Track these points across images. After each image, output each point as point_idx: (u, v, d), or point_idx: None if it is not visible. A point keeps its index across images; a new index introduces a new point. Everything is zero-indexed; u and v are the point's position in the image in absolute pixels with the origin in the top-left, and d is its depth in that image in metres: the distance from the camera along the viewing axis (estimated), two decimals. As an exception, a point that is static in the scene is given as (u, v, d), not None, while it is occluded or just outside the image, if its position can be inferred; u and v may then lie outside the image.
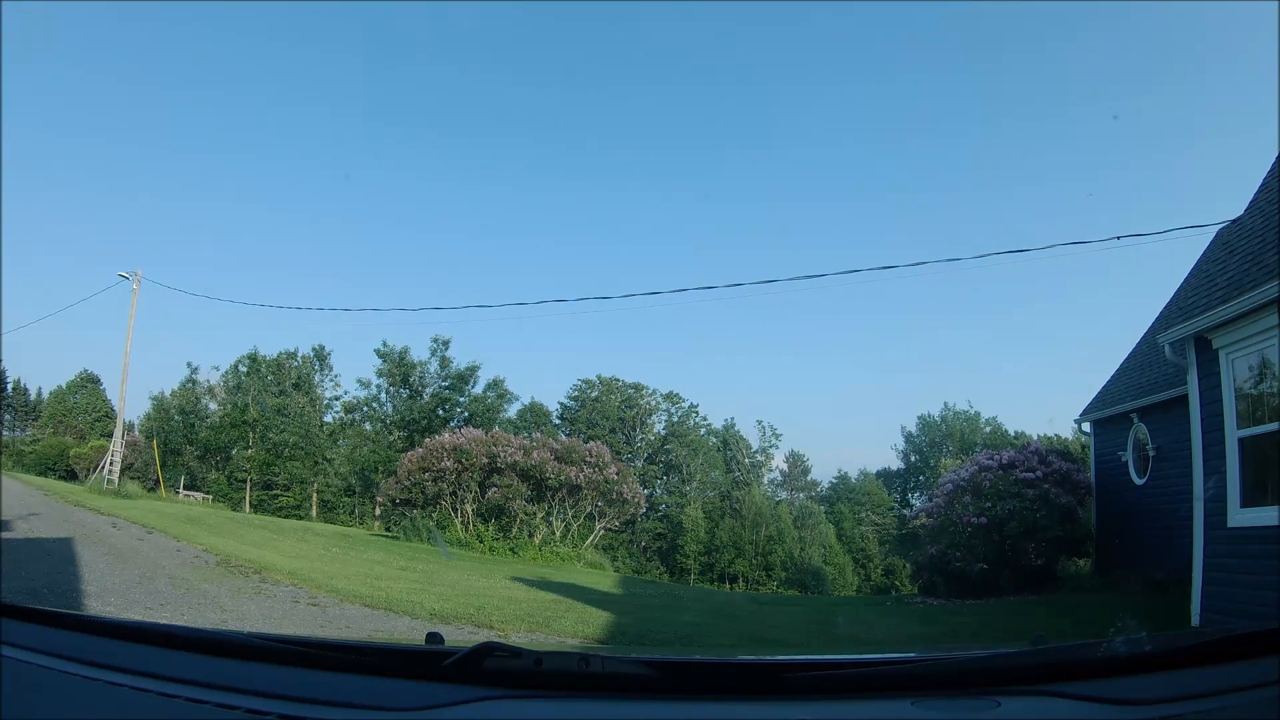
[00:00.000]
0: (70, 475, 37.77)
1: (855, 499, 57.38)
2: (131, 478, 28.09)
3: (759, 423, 60.82)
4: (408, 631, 6.86)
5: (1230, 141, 69.16)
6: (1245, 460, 7.18)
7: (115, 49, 68.48)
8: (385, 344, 44.15)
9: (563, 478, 19.37)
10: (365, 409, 45.98)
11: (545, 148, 79.55)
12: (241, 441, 42.10)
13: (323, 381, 47.53)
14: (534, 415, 51.06)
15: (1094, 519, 13.42)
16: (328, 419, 46.33)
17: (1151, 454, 11.64)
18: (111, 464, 24.15)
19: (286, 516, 32.29)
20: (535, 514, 19.49)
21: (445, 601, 8.34)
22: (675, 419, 55.51)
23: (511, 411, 46.90)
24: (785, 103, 78.80)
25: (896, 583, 44.30)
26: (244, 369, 44.92)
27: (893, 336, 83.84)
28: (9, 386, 56.26)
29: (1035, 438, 31.22)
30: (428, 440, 21.54)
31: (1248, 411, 7.20)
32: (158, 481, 32.85)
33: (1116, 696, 1.13)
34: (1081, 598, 10.86)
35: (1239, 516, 7.15)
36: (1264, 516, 6.77)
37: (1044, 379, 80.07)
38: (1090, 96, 72.36)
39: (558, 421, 53.13)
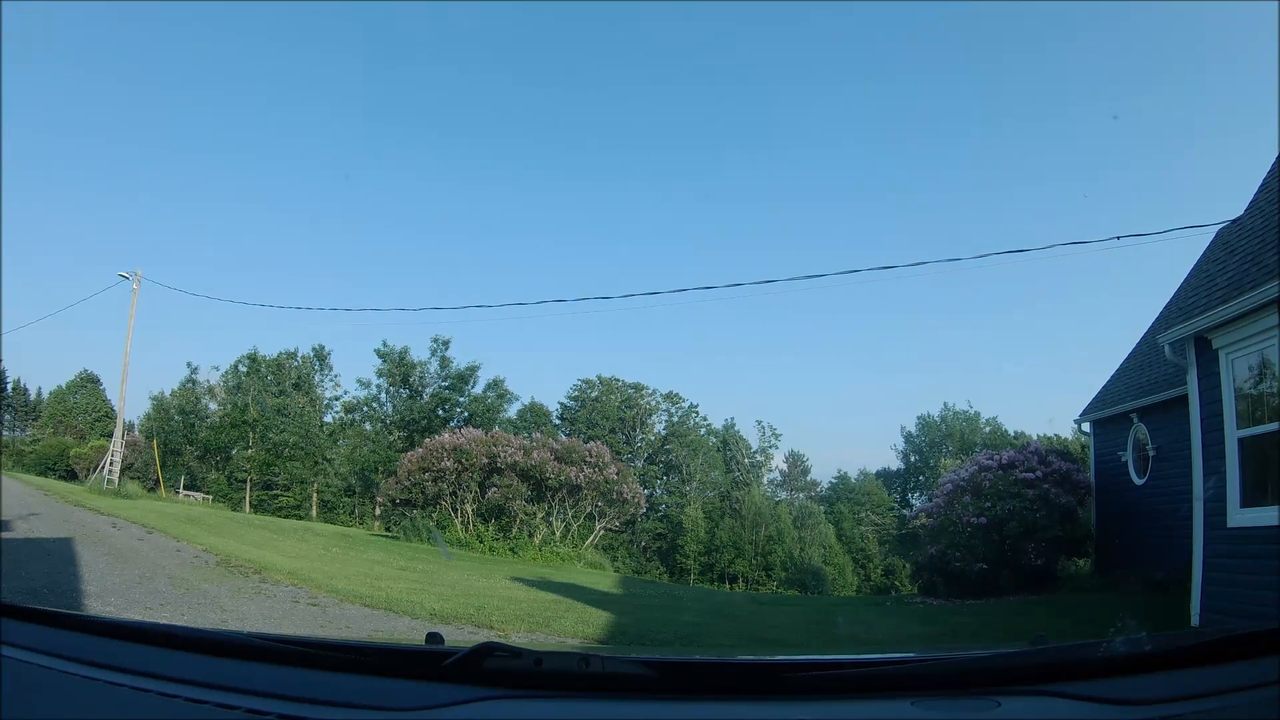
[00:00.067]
0: (70, 475, 37.77)
1: (855, 499, 57.37)
2: (131, 478, 28.09)
3: (759, 423, 60.92)
4: (408, 631, 6.86)
5: (1230, 141, 69.27)
6: (1245, 460, 7.18)
7: (115, 49, 68.57)
8: (385, 344, 44.23)
9: (563, 478, 19.37)
10: (365, 409, 46.00)
11: (545, 148, 79.69)
12: (241, 441, 42.10)
13: (323, 381, 47.59)
14: (534, 415, 51.06)
15: (1094, 519, 13.42)
16: (328, 419, 46.37)
17: (1151, 454, 11.64)
18: (111, 464, 24.15)
19: (286, 516, 32.29)
20: (535, 514, 19.49)
21: (445, 601, 8.34)
22: (675, 419, 55.54)
23: (511, 411, 46.98)
24: (785, 103, 78.92)
25: (896, 583, 44.31)
26: (244, 369, 44.92)
27: (893, 336, 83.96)
28: (9, 386, 56.29)
29: (1035, 438, 31.24)
30: (428, 440, 21.54)
31: (1247, 411, 7.20)
32: (158, 481, 32.85)
33: (1116, 696, 1.13)
34: (1081, 598, 10.86)
35: (1239, 516, 7.15)
36: (1264, 516, 6.77)
37: (1044, 379, 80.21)
38: (1090, 96, 72.47)
39: (558, 421, 53.13)
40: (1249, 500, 7.09)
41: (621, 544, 40.17)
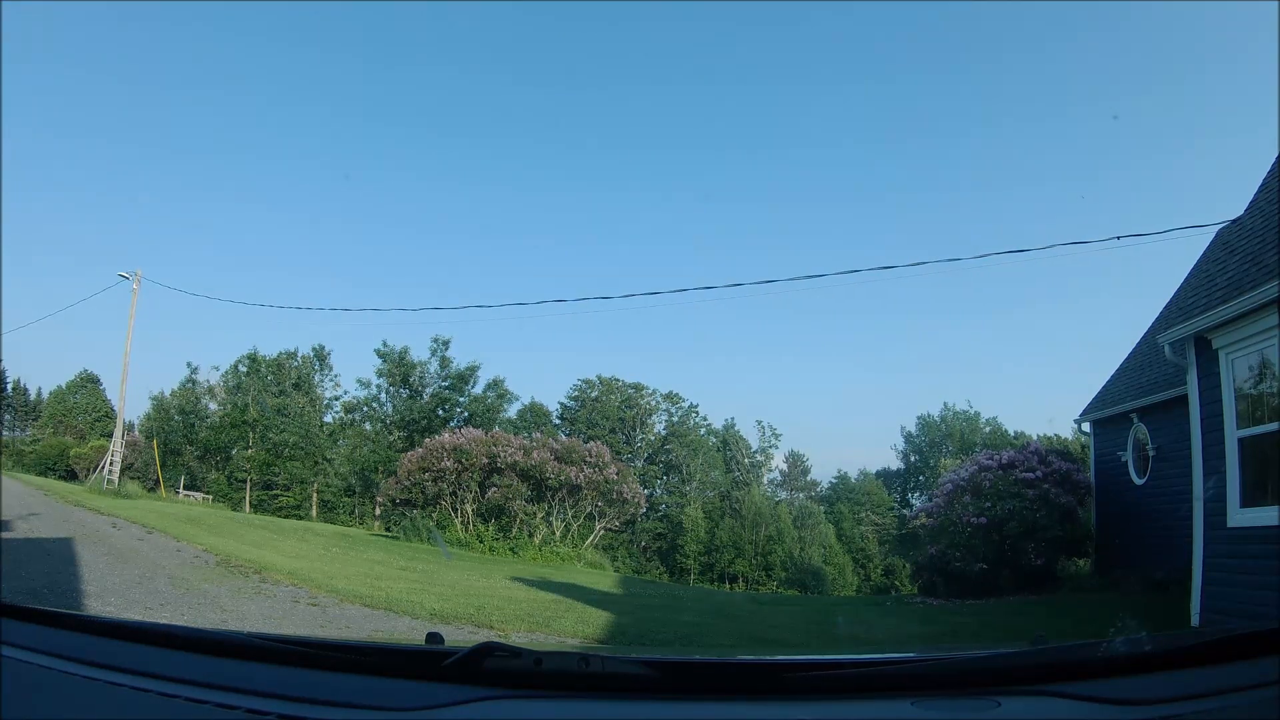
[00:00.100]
0: (70, 475, 37.77)
1: (855, 499, 57.37)
2: (131, 478, 28.09)
3: (759, 423, 60.91)
4: (408, 631, 6.86)
5: (1230, 141, 69.28)
6: (1245, 460, 7.18)
7: (115, 49, 68.56)
8: (385, 344, 44.21)
9: (563, 478, 19.37)
10: (365, 409, 45.98)
11: (545, 148, 79.67)
12: (241, 441, 42.10)
13: (323, 381, 47.57)
14: (534, 415, 51.05)
15: (1094, 519, 13.42)
16: (328, 419, 46.36)
17: (1151, 454, 11.64)
18: (111, 464, 24.15)
19: (286, 516, 32.28)
20: (535, 514, 19.50)
21: (445, 601, 8.34)
22: (675, 419, 55.54)
23: (511, 411, 46.97)
24: (785, 103, 78.91)
25: (896, 583, 44.31)
26: (244, 369, 44.91)
27: (893, 336, 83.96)
28: (9, 386, 56.28)
29: (1035, 438, 31.25)
30: (428, 440, 21.54)
31: (1247, 411, 7.20)
32: (158, 481, 32.85)
33: (1116, 696, 1.13)
34: (1081, 598, 10.86)
35: (1239, 516, 7.15)
36: (1264, 516, 6.77)
37: (1044, 379, 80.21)
38: (1090, 96, 72.47)
39: (558, 421, 53.13)
40: (1249, 500, 7.08)
41: (621, 544, 40.17)
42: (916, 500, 55.18)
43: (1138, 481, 12.14)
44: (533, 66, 78.71)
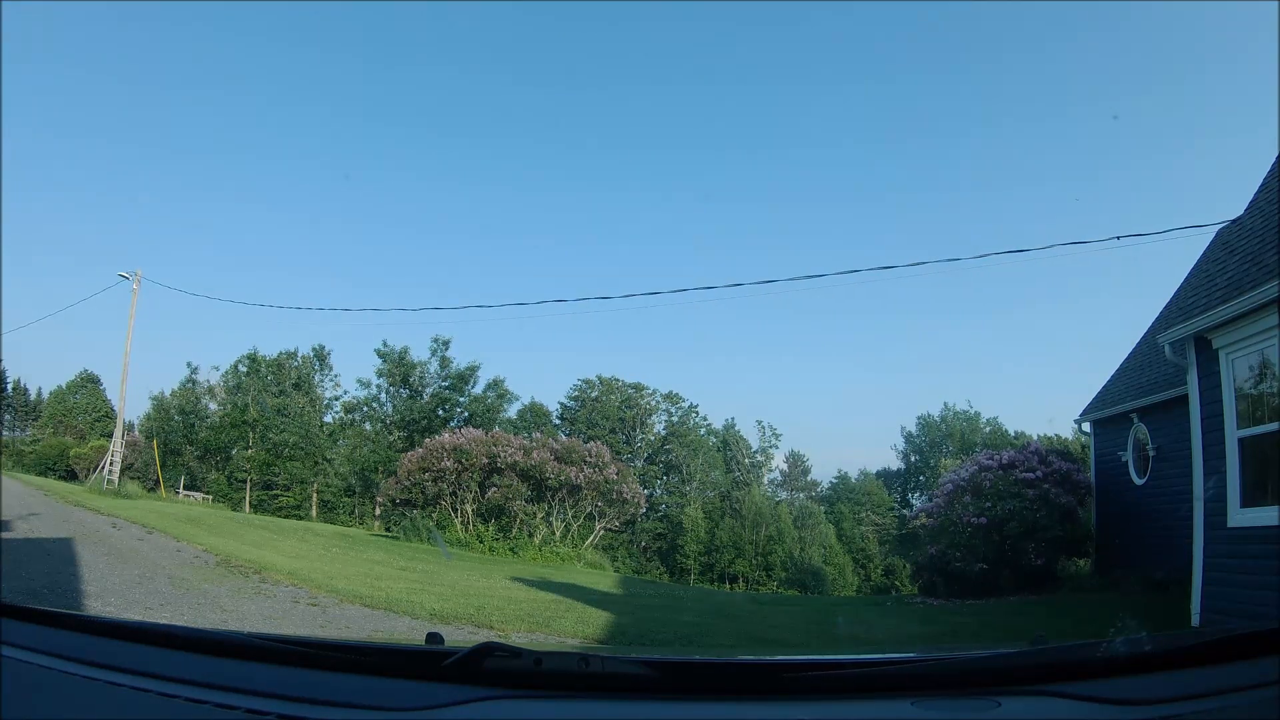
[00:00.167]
0: (70, 475, 37.77)
1: (855, 499, 57.37)
2: (131, 478, 28.09)
3: (759, 423, 60.89)
4: (408, 631, 6.86)
5: (1230, 141, 69.25)
6: (1245, 460, 7.18)
7: (115, 49, 68.51)
8: (385, 344, 44.26)
9: (563, 478, 19.37)
10: (365, 409, 46.01)
11: (545, 148, 79.62)
12: (241, 441, 42.11)
13: (323, 381, 47.58)
14: (534, 415, 51.05)
15: (1094, 519, 13.42)
16: (328, 419, 46.37)
17: (1151, 454, 11.64)
18: (111, 464, 24.15)
19: (286, 516, 32.30)
20: (535, 514, 19.50)
21: (445, 601, 8.34)
22: (675, 419, 55.54)
23: (511, 411, 46.99)
24: (785, 103, 78.86)
25: (896, 583, 44.31)
26: (244, 369, 44.92)
27: (893, 336, 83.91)
28: (9, 386, 56.28)
29: (1035, 438, 31.23)
30: (428, 440, 21.55)
31: (1248, 411, 7.20)
32: (158, 481, 32.85)
33: (1116, 696, 1.13)
34: (1081, 598, 10.86)
35: (1239, 516, 7.15)
36: (1264, 516, 6.77)
37: (1044, 379, 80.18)
38: (1090, 96, 72.42)
39: (558, 421, 53.13)
40: (1249, 500, 7.08)
41: (621, 544, 40.18)
42: (916, 500, 55.20)
43: (1138, 481, 12.14)
44: (533, 66, 78.80)
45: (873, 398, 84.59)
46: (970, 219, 77.34)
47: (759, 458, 57.99)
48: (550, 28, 76.65)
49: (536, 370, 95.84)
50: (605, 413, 53.24)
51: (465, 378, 43.71)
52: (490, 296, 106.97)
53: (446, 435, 21.11)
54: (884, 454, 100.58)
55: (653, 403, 55.28)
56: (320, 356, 47.23)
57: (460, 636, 6.47)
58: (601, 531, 21.57)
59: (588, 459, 20.07)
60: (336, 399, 47.41)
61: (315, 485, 42.22)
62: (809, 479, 59.42)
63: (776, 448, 58.93)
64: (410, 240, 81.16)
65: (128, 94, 69.41)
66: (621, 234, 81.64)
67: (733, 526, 48.23)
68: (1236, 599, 7.02)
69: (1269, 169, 8.63)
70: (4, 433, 52.60)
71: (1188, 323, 7.92)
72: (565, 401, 54.98)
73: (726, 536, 47.54)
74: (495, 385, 44.27)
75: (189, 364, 48.56)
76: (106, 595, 6.97)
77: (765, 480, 57.73)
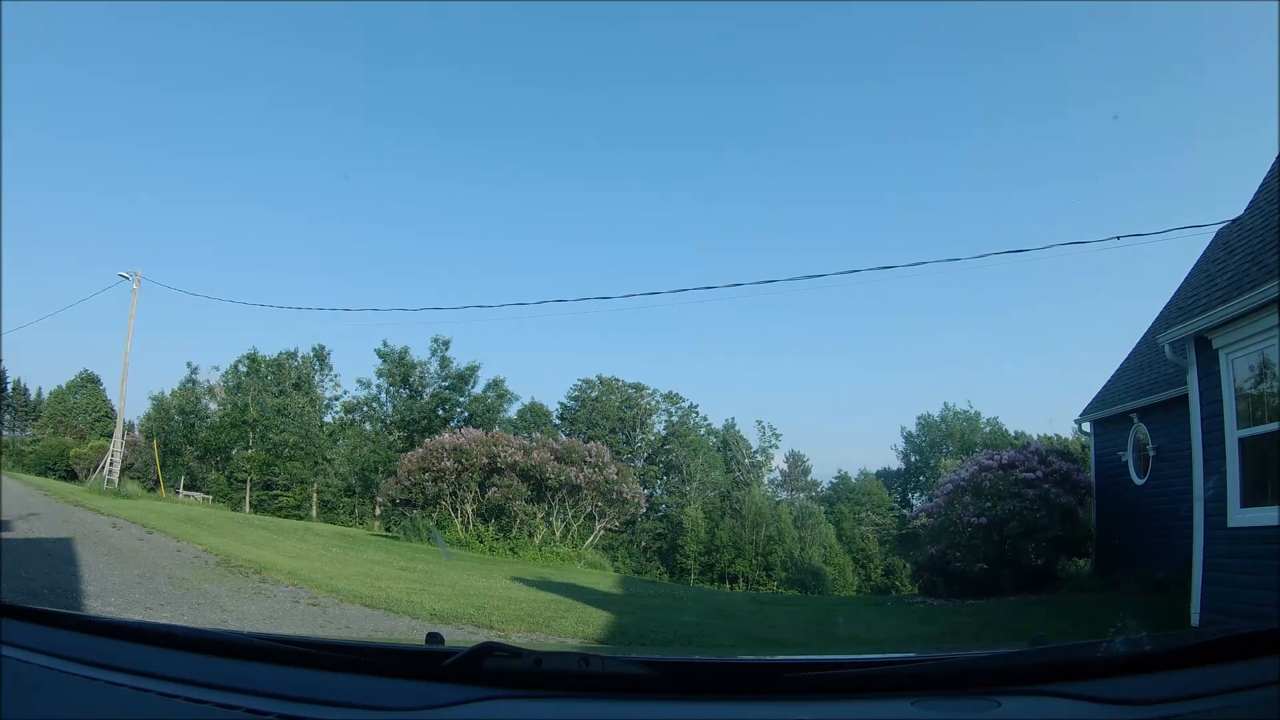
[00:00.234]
0: (70, 475, 37.76)
1: (855, 499, 57.37)
2: (131, 478, 28.09)
3: (759, 423, 60.86)
4: (408, 631, 6.87)
5: (1230, 141, 69.28)
6: (1245, 460, 7.18)
7: (115, 49, 68.53)
8: (385, 344, 44.25)
9: (563, 478, 19.37)
10: (365, 409, 46.00)
11: (545, 148, 79.63)
12: (241, 441, 42.10)
13: (323, 381, 47.55)
14: (534, 415, 51.04)
15: (1094, 519, 13.42)
16: (328, 419, 46.36)
17: (1151, 454, 11.64)
18: (111, 464, 24.15)
19: (286, 516, 32.30)
20: (535, 514, 19.50)
21: (445, 601, 8.34)
22: (675, 419, 55.53)
23: (511, 411, 46.98)
24: (785, 103, 78.89)
25: (896, 583, 44.32)
26: (244, 369, 44.91)
27: (893, 336, 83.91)
28: (9, 386, 56.27)
29: (1035, 438, 31.23)
30: (428, 440, 21.55)
31: (1248, 411, 7.20)
32: (158, 481, 32.85)
33: (1116, 696, 1.13)
34: (1081, 598, 10.86)
35: (1239, 516, 7.15)
36: (1264, 516, 6.77)
37: (1044, 379, 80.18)
38: (1090, 96, 72.44)
39: (558, 421, 53.12)
40: (1249, 500, 7.08)
41: (621, 544, 40.18)
42: (916, 500, 55.20)
43: (1138, 481, 12.14)
44: (533, 66, 78.80)
45: (873, 398, 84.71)
46: (970, 219, 77.46)
47: (759, 458, 58.01)
48: (550, 28, 76.76)
49: (536, 370, 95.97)
50: (605, 413, 53.23)
51: (465, 378, 43.72)
52: (490, 296, 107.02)
53: (446, 435, 21.11)
54: (884, 454, 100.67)
55: (653, 403, 55.29)
56: (320, 356, 47.27)
57: (460, 636, 6.47)
58: (601, 531, 21.57)
59: (588, 459, 20.07)
60: (336, 399, 47.48)
61: (315, 485, 42.22)
62: (809, 479, 59.46)
63: (776, 448, 59.02)
64: (410, 240, 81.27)
65: (128, 94, 69.54)
66: (621, 234, 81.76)
67: (733, 526, 48.23)
68: (1236, 599, 7.02)
69: (1269, 169, 8.63)
70: (4, 433, 52.61)
71: (1188, 323, 7.92)
72: (565, 401, 55.06)
73: (726, 536, 47.54)
74: (495, 385, 44.33)
75: (189, 364, 48.63)
76: (106, 595, 6.97)
77: (765, 480, 57.79)
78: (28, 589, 6.67)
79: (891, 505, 57.82)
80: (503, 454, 19.41)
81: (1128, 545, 12.00)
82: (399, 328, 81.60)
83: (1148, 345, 12.66)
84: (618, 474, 20.62)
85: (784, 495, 57.04)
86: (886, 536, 53.82)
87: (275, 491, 40.83)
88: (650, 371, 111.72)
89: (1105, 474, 13.38)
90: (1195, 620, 7.55)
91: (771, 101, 79.20)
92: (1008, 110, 77.45)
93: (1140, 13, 70.54)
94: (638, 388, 55.07)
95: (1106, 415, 13.25)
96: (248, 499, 39.73)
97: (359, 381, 45.71)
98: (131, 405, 51.23)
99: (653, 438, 54.71)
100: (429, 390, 43.99)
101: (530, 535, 19.16)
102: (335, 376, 47.87)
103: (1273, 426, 6.79)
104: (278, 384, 44.61)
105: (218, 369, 46.65)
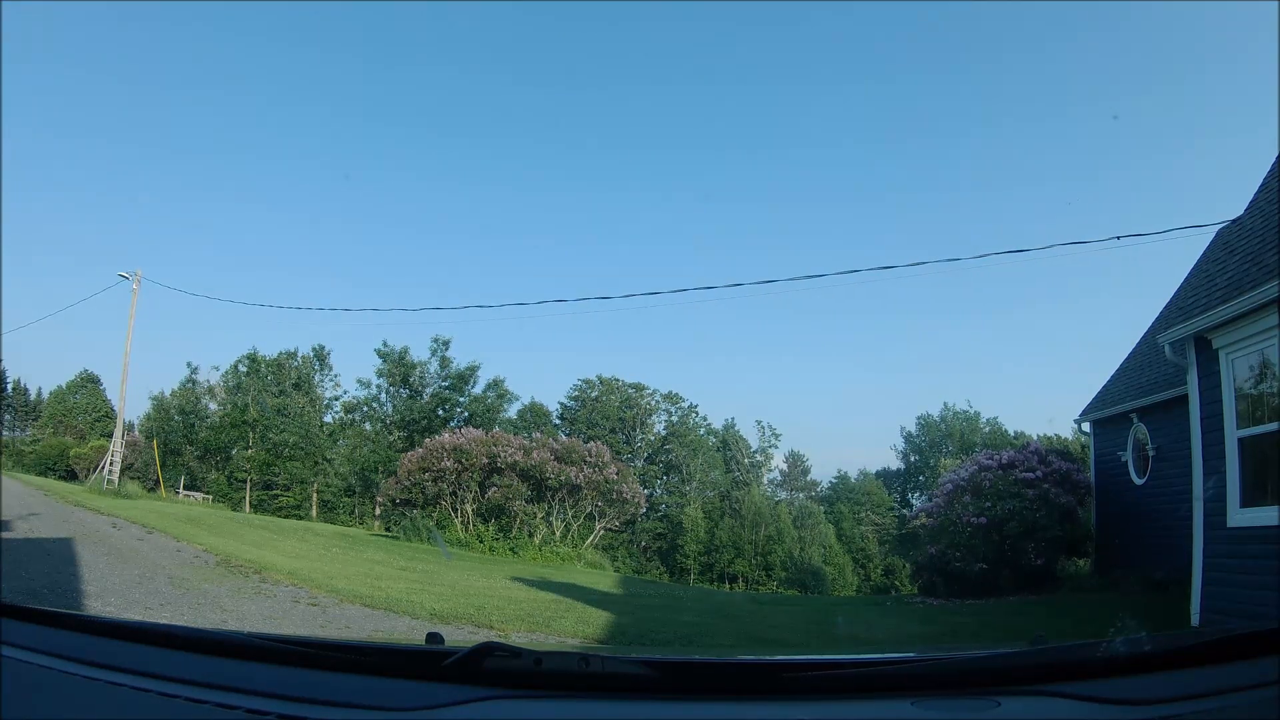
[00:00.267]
0: (70, 475, 37.76)
1: (855, 499, 57.37)
2: (131, 478, 28.09)
3: (759, 423, 60.84)
4: (408, 631, 6.87)
5: (1230, 141, 69.22)
6: (1245, 460, 7.18)
7: (115, 49, 68.50)
8: (385, 344, 44.25)
9: (563, 478, 19.37)
10: (365, 409, 46.00)
11: (545, 148, 79.59)
12: (241, 441, 42.10)
13: (323, 381, 47.55)
14: (534, 415, 51.04)
15: (1094, 519, 13.42)
16: (328, 419, 46.36)
17: (1151, 454, 11.64)
18: (111, 464, 24.15)
19: (286, 516, 32.29)
20: (535, 514, 19.50)
21: (445, 601, 8.34)
22: (675, 419, 55.51)
23: (511, 411, 46.98)
24: (785, 103, 78.83)
25: (896, 583, 44.31)
26: (244, 369, 44.91)
27: (893, 336, 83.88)
28: (9, 386, 56.27)
29: (1035, 438, 31.22)
30: (428, 440, 21.56)
31: (1248, 411, 7.20)
32: (158, 481, 32.85)
33: (1116, 696, 1.13)
34: (1081, 598, 10.86)
35: (1239, 516, 7.15)
36: (1264, 516, 6.77)
37: (1044, 379, 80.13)
38: (1090, 96, 72.37)
39: (558, 421, 53.12)
40: (1249, 500, 7.09)
41: (621, 544, 40.18)
42: (916, 500, 55.20)
43: (1138, 481, 12.14)
44: (533, 66, 78.75)
45: (873, 398, 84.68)
46: (970, 219, 77.42)
47: (759, 458, 58.01)
48: (550, 28, 76.71)
49: (536, 370, 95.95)
50: (605, 413, 53.23)
51: (465, 378, 43.72)
52: (490, 296, 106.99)
53: (446, 435, 21.12)
54: (884, 454, 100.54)
55: (653, 403, 55.28)
56: (320, 356, 47.26)
57: (460, 636, 6.47)
58: (601, 531, 21.57)
59: (588, 459, 20.07)
60: (336, 399, 47.48)
61: (315, 485, 42.22)
62: (809, 479, 59.46)
63: (776, 448, 59.02)
64: (410, 240, 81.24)
65: (128, 94, 69.49)
66: (621, 234, 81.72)
67: (732, 526, 48.23)
68: (1236, 599, 7.02)
69: (1269, 169, 8.63)
70: (4, 433, 52.61)
71: (1188, 323, 7.92)
72: (565, 401, 55.05)
73: (726, 536, 47.54)
74: (495, 385, 44.34)
75: (189, 364, 48.61)
76: (106, 595, 6.97)
77: (765, 480, 57.79)
78: (28, 589, 6.67)
79: (891, 505, 57.81)
80: (503, 454, 19.41)
81: (1127, 545, 12.00)
82: (399, 328, 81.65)
83: (1148, 345, 12.66)
84: (618, 474, 20.62)
85: (784, 495, 57.05)
86: (886, 536, 53.81)
87: (275, 491, 40.83)
88: (650, 371, 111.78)
89: (1105, 474, 13.38)
90: (1195, 620, 7.55)
91: (771, 101, 79.26)
92: (1008, 110, 77.52)
93: (1140, 13, 70.59)
94: (638, 388, 55.10)
95: (1106, 415, 13.25)
96: (248, 499, 39.72)
97: (359, 381, 45.82)
98: (131, 405, 51.28)
99: (653, 438, 54.70)
100: (429, 390, 44.00)
101: (530, 535, 19.17)
102: (335, 376, 47.96)
103: (1272, 426, 6.79)
104: (278, 384, 44.61)
105: (218, 369, 46.74)
